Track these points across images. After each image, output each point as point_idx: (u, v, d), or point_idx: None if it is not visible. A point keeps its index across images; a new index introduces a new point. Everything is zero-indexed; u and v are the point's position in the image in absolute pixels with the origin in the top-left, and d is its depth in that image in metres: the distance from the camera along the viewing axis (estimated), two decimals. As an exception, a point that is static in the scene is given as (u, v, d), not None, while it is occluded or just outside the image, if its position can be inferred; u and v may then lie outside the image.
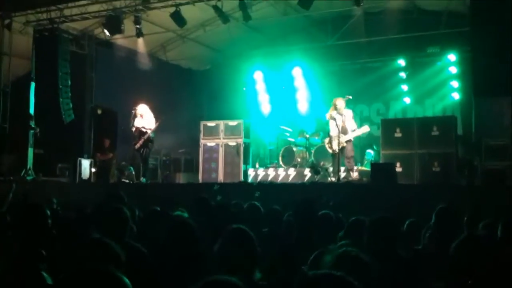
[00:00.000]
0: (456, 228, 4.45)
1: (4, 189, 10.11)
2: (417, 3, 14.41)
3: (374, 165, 10.46)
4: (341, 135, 11.08)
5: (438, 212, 4.58)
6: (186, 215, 5.84)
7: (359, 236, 4.10)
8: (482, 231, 4.81)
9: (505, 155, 10.26)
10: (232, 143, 13.07)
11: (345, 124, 11.27)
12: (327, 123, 14.01)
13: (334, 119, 11.28)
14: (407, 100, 15.55)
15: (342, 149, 11.17)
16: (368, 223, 4.14)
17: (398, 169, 10.44)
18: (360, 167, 12.37)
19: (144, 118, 12.21)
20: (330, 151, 11.53)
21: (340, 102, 11.34)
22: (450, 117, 12.12)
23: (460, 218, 4.97)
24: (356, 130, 11.40)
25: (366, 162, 11.61)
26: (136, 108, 12.26)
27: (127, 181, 12.76)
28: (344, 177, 11.29)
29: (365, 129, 11.56)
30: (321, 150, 13.09)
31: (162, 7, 13.30)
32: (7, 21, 13.88)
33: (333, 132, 11.33)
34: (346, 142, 11.23)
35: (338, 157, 11.13)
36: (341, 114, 11.27)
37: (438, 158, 10.45)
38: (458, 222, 4.76)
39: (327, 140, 11.64)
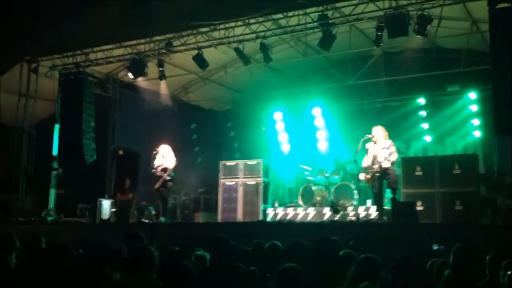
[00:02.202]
0: (475, 267, 4.36)
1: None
2: (437, 41, 14.47)
3: (394, 203, 10.29)
4: (373, 166, 10.55)
5: (456, 251, 4.50)
6: (207, 254, 5.83)
7: (372, 274, 4.03)
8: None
9: (529, 194, 10.08)
10: (251, 182, 13.13)
11: (378, 155, 10.56)
12: (346, 162, 13.99)
13: (367, 150, 10.74)
14: (427, 138, 15.42)
15: (384, 176, 10.53)
16: (394, 263, 4.06)
17: (419, 207, 10.29)
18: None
19: (165, 158, 12.32)
20: (368, 185, 10.91)
21: (377, 131, 10.77)
22: (471, 155, 12.00)
23: (480, 258, 4.86)
24: (386, 159, 10.49)
25: (386, 200, 11.48)
26: (157, 148, 12.40)
27: (147, 220, 12.82)
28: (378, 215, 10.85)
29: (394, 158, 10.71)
30: (340, 189, 13.01)
31: (185, 50, 13.60)
32: (33, 65, 14.30)
33: (364, 163, 10.82)
34: (383, 170, 10.43)
35: (376, 190, 10.65)
36: (376, 144, 10.69)
37: (460, 197, 10.30)
38: (477, 261, 4.65)
39: (362, 175, 10.85)
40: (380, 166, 10.45)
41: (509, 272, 4.02)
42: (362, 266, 4.40)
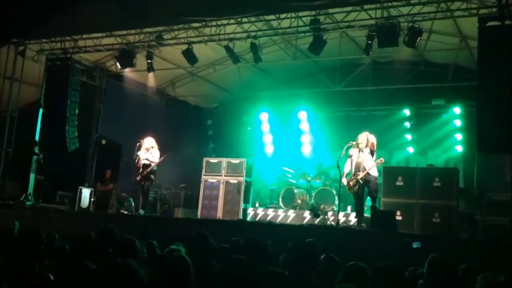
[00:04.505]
0: (449, 278, 4.42)
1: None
2: (425, 55, 14.63)
3: (374, 212, 10.37)
4: (357, 173, 10.45)
5: (430, 262, 4.55)
6: (182, 249, 5.80)
7: (358, 282, 4.04)
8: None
9: (506, 211, 10.21)
10: (233, 180, 13.13)
11: (361, 161, 10.47)
12: (328, 167, 14.05)
13: (350, 156, 10.65)
14: (410, 149, 15.56)
15: (366, 184, 10.48)
16: (372, 270, 4.07)
17: (398, 217, 10.37)
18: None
19: (149, 151, 12.18)
20: (350, 192, 10.82)
21: (362, 137, 10.64)
22: (452, 169, 12.11)
23: (454, 269, 4.92)
24: (372, 166, 10.42)
25: (366, 208, 11.57)
26: (142, 140, 12.27)
27: (126, 212, 12.73)
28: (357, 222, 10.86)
29: (380, 161, 10.62)
30: (321, 194, 13.09)
31: (175, 44, 13.56)
32: (21, 48, 14.13)
33: (346, 169, 10.75)
34: (366, 177, 10.36)
35: (358, 198, 10.63)
36: (360, 150, 10.59)
37: (438, 210, 10.41)
38: (452, 272, 4.71)
39: (344, 180, 10.73)
40: (367, 174, 10.48)
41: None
42: (349, 273, 4.42)
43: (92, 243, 5.61)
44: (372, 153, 10.60)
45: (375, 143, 10.64)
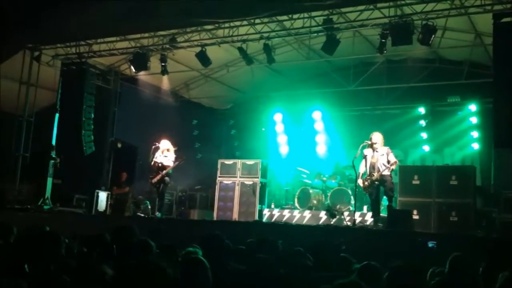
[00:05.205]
0: (470, 277, 4.39)
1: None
2: (440, 52, 14.51)
3: (391, 211, 10.32)
4: (372, 173, 10.47)
5: (452, 260, 4.52)
6: (199, 251, 5.82)
7: (372, 281, 4.02)
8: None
9: (524, 209, 10.11)
10: (248, 182, 13.16)
11: (376, 161, 10.51)
12: (345, 167, 14.01)
13: (365, 156, 10.69)
14: (426, 148, 15.45)
15: (382, 184, 10.53)
16: (387, 270, 4.05)
17: (415, 216, 10.30)
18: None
19: (165, 154, 12.26)
20: (365, 192, 10.85)
21: (376, 137, 10.66)
22: (469, 167, 11.99)
23: (474, 269, 4.88)
24: (386, 167, 10.44)
25: (382, 208, 11.51)
26: (158, 143, 12.34)
27: (142, 215, 12.81)
28: (375, 221, 10.79)
29: (395, 163, 10.55)
30: (337, 194, 13.05)
31: (188, 46, 13.60)
32: (36, 53, 14.28)
33: (361, 169, 10.74)
34: (381, 177, 10.42)
35: (374, 197, 10.64)
36: (374, 150, 10.61)
37: (456, 208, 10.32)
38: (473, 271, 4.68)
39: (360, 181, 10.74)
40: (380, 175, 10.46)
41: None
42: (363, 273, 4.40)
43: (108, 243, 5.67)
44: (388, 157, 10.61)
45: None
